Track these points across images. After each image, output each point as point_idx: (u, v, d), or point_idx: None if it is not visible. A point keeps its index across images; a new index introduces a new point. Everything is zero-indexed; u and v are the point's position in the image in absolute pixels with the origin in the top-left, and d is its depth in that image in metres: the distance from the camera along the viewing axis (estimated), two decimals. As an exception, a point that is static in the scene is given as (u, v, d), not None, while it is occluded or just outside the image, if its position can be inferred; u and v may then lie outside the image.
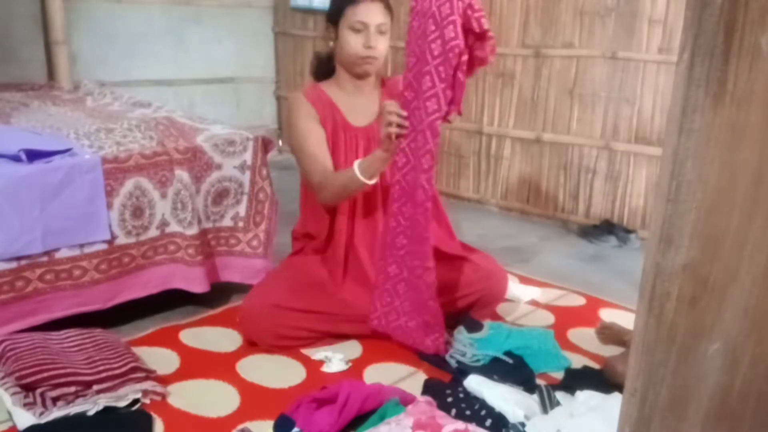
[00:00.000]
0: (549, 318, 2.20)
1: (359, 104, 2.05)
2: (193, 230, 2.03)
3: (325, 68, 2.11)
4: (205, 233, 2.09)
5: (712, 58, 0.54)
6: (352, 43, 1.95)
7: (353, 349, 1.93)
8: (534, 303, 2.31)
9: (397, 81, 2.15)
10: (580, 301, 2.35)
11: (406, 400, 1.54)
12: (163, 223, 2.02)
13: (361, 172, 1.80)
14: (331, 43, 2.02)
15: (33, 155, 1.80)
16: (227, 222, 2.15)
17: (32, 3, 3.25)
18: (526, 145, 3.36)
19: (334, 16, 1.99)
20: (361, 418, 1.49)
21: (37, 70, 3.28)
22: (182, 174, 2.01)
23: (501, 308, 2.22)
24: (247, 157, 2.15)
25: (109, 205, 1.90)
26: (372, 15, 1.94)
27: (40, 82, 3.24)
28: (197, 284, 2.06)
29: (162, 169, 1.99)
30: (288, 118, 2.16)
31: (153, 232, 2.00)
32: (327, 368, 1.81)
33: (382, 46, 1.98)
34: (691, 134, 0.56)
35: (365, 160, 1.82)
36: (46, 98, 2.81)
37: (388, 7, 2.00)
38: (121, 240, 1.94)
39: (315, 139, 1.98)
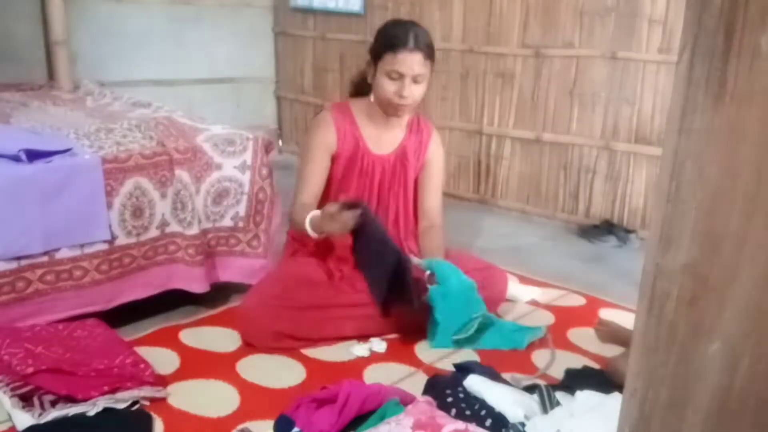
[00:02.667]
0: (549, 318, 2.20)
1: (383, 135, 2.10)
2: (193, 230, 2.03)
3: (363, 88, 2.11)
4: (205, 233, 2.09)
5: (712, 58, 0.54)
6: (386, 88, 1.96)
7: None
8: (534, 303, 2.31)
9: (426, 125, 2.18)
10: (580, 301, 2.35)
11: (406, 400, 1.53)
12: (164, 223, 2.02)
13: (311, 224, 1.86)
14: (369, 79, 2.03)
15: (33, 155, 1.79)
16: (227, 222, 2.15)
17: (32, 3, 3.25)
18: (526, 145, 3.36)
19: (373, 55, 2.00)
20: (361, 418, 1.49)
21: (37, 70, 3.28)
22: (182, 174, 2.01)
23: (501, 308, 2.21)
24: (247, 157, 2.15)
25: (109, 205, 1.90)
26: (409, 65, 1.92)
27: (40, 82, 3.23)
28: (197, 284, 2.06)
29: (162, 169, 1.99)
30: (308, 130, 2.19)
31: (153, 232, 2.00)
32: (366, 351, 1.91)
33: (417, 93, 1.98)
34: (691, 134, 0.56)
35: (316, 219, 1.84)
36: (46, 98, 2.80)
37: (429, 56, 1.97)
38: (122, 240, 1.94)
39: (316, 167, 2.04)
